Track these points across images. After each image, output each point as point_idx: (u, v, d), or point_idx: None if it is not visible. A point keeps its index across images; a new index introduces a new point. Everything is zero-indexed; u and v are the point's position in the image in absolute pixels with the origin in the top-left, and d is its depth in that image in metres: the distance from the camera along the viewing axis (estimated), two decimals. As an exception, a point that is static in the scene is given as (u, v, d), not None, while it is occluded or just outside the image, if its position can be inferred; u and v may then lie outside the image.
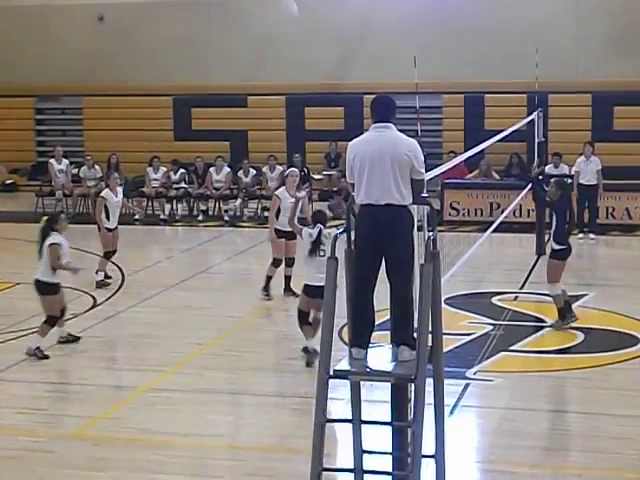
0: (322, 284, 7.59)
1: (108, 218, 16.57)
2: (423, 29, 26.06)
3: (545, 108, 21.51)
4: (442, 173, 12.37)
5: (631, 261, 18.28)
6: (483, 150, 16.41)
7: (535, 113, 19.09)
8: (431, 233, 7.43)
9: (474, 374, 11.40)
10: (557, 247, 13.46)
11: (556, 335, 13.19)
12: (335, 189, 24.44)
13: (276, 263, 15.29)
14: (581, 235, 20.21)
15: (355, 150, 7.56)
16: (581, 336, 13.02)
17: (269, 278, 15.31)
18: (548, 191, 13.92)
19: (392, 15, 26.57)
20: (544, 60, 20.59)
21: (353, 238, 7.55)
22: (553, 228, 13.51)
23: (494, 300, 14.95)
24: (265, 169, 24.13)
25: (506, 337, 13.01)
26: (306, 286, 12.00)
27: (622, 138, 25.15)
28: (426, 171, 7.79)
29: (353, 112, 25.71)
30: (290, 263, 15.28)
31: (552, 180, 14.53)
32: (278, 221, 15.06)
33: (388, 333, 7.49)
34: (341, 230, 7.59)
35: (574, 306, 13.91)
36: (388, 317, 7.48)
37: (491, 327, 13.42)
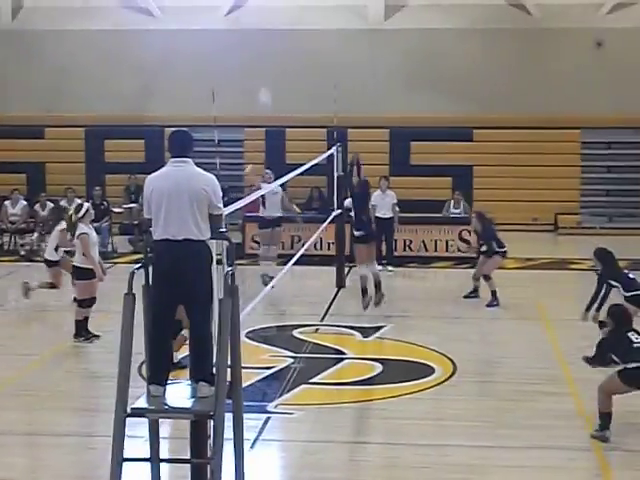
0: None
1: None
2: (226, 62, 26.20)
3: (344, 142, 21.90)
4: (243, 207, 12.42)
5: (427, 292, 18.75)
6: (284, 184, 16.57)
7: (334, 147, 19.44)
8: (230, 268, 7.42)
9: (275, 407, 11.43)
10: (357, 233, 16.09)
11: (355, 367, 13.38)
12: (136, 222, 24.18)
13: (87, 303, 14.69)
14: (380, 268, 20.60)
15: (152, 185, 7.51)
16: (379, 367, 13.25)
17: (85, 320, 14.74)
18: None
19: (194, 48, 26.61)
20: (343, 96, 21.01)
21: (151, 274, 7.46)
22: (353, 217, 16.20)
23: (295, 333, 15.06)
24: (63, 202, 23.66)
25: (307, 370, 13.11)
26: None
27: (418, 172, 25.87)
28: (227, 204, 7.80)
29: (153, 145, 25.59)
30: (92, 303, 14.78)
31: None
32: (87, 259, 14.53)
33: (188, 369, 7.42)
34: (138, 266, 7.49)
35: (373, 337, 14.19)
36: (188, 353, 7.41)
37: (292, 360, 13.51)
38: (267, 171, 19.10)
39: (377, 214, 20.57)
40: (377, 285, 16.12)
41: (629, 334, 10.32)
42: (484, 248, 17.59)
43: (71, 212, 15.02)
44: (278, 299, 16.32)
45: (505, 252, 17.44)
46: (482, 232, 17.66)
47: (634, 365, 10.11)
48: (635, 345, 10.23)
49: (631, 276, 13.21)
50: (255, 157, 26.39)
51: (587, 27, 26.66)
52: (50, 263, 16.24)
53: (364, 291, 16.15)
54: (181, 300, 7.46)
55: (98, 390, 12.09)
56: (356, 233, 16.15)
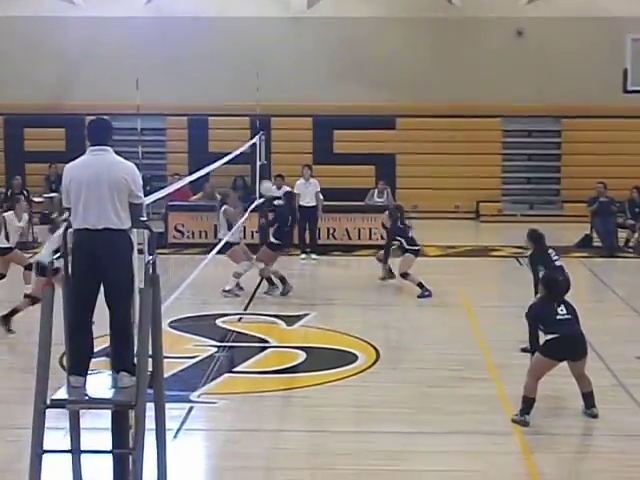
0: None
1: None
2: (148, 51, 25.99)
3: (267, 131, 21.86)
4: (166, 195, 12.34)
5: (350, 280, 18.81)
6: (208, 173, 16.49)
7: (257, 136, 19.39)
8: (151, 257, 7.37)
9: (198, 397, 11.39)
10: (275, 241, 17.04)
11: (279, 355, 13.39)
12: (56, 214, 23.87)
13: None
14: (303, 256, 20.66)
15: (71, 174, 7.43)
16: (303, 355, 13.26)
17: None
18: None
19: (115, 36, 26.36)
20: (266, 84, 20.99)
21: (70, 264, 7.39)
22: (274, 227, 17.14)
23: (218, 322, 15.02)
24: (-16, 192, 23.36)
25: (230, 359, 13.09)
26: None
27: (341, 161, 25.94)
28: (150, 193, 7.75)
29: (74, 133, 25.29)
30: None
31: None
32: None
33: (108, 359, 7.36)
34: (57, 255, 7.41)
35: (297, 325, 14.25)
36: (108, 343, 7.35)
37: (215, 349, 13.47)
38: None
39: (301, 202, 20.57)
40: (282, 278, 17.07)
41: (557, 306, 10.43)
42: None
43: None
44: (200, 288, 16.23)
45: (417, 251, 17.52)
46: (390, 229, 17.80)
47: (552, 336, 10.25)
48: (558, 317, 10.36)
49: (557, 264, 13.37)
50: (178, 146, 26.29)
51: (508, 16, 26.92)
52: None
53: (283, 279, 16.94)
54: (101, 289, 7.39)
55: (17, 382, 11.93)
56: (274, 241, 17.09)
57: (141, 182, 7.57)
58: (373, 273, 18.88)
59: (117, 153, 7.62)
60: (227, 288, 16.76)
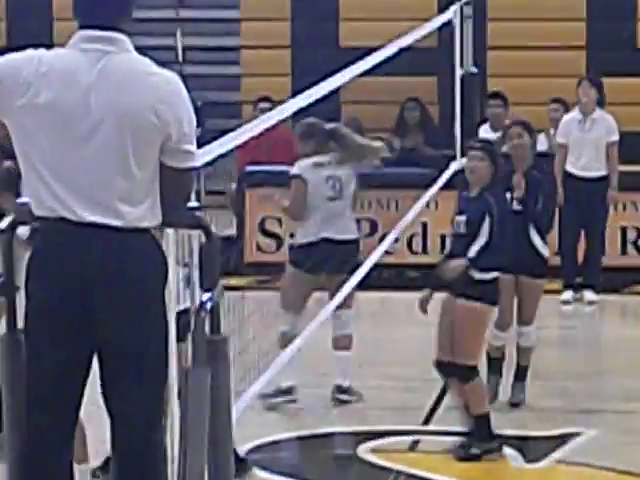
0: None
1: None
2: None
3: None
4: (241, 148, 6.00)
5: None
6: (336, 90, 6.84)
7: (455, 6, 9.33)
8: (209, 295, 3.43)
9: None
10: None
11: None
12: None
13: None
14: (568, 295, 10.44)
15: (30, 86, 3.34)
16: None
17: None
18: None
19: None
20: None
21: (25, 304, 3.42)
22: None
23: (363, 451, 6.47)
24: None
25: None
26: None
27: None
28: (202, 145, 3.63)
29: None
30: None
31: None
32: None
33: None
34: None
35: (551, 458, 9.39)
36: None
37: None
38: None
39: (568, 168, 10.38)
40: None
41: None
42: None
43: None
44: (318, 367, 7.62)
45: None
46: None
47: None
48: None
49: None
50: (266, 32, 10.08)
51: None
52: None
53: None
54: (93, 360, 3.41)
55: None
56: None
57: (194, 119, 3.44)
58: None
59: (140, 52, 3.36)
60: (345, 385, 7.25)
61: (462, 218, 6.10)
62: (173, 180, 3.33)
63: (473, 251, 5.96)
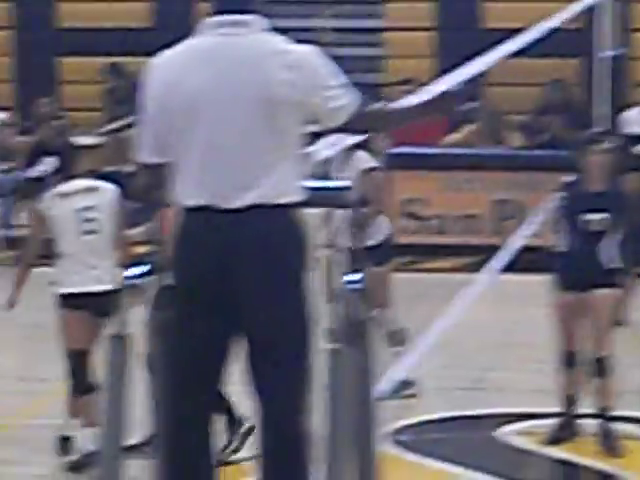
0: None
1: None
2: None
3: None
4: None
5: None
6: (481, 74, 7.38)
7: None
8: (355, 276, 3.43)
9: None
10: None
11: None
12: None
13: None
14: None
15: (163, 84, 3.40)
16: None
17: None
18: None
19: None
20: None
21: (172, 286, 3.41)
22: None
23: (502, 433, 6.37)
24: None
25: None
26: None
27: None
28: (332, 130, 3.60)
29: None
30: None
31: None
32: None
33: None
34: (141, 272, 3.35)
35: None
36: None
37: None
38: None
39: None
40: None
41: None
42: None
43: None
44: (459, 349, 7.80)
45: None
46: None
47: None
48: None
49: None
50: (407, 14, 13.15)
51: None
52: None
53: None
54: (238, 343, 3.37)
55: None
56: None
57: (339, 75, 3.38)
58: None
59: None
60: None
61: (596, 216, 5.73)
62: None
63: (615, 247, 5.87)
